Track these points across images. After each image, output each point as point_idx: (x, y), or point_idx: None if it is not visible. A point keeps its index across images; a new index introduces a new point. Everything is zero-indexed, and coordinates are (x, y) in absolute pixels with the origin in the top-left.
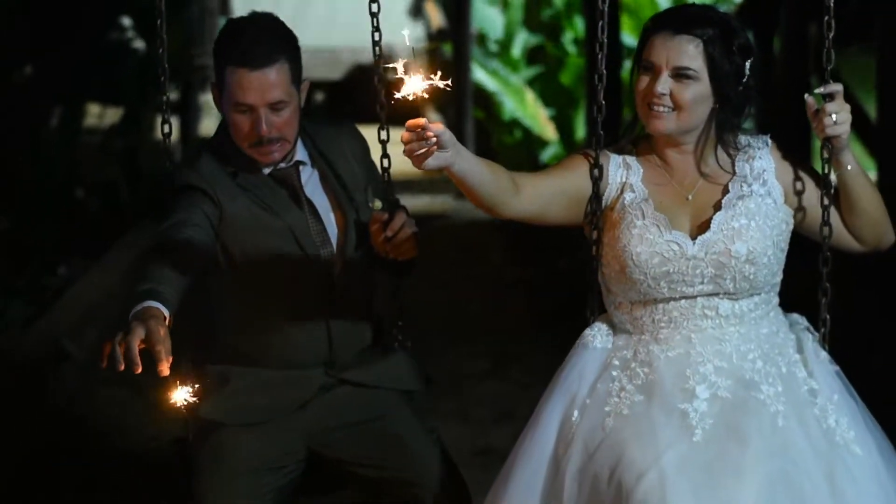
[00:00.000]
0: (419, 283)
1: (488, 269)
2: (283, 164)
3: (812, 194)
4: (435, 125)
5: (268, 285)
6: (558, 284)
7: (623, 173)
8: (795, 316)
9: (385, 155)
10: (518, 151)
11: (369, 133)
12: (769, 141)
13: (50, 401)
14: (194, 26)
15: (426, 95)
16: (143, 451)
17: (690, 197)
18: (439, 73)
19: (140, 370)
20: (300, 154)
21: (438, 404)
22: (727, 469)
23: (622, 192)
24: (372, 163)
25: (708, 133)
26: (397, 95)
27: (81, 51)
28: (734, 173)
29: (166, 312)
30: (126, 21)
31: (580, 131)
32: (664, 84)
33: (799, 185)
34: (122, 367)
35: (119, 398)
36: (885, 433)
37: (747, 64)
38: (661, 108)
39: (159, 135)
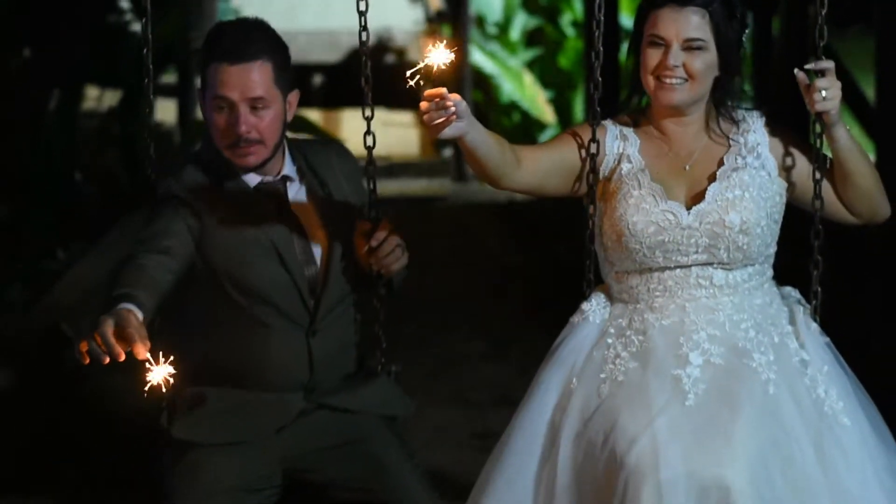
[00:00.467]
0: (416, 265)
1: (486, 251)
2: (269, 178)
3: (805, 167)
4: (453, 95)
5: (248, 303)
6: (556, 268)
7: (620, 144)
8: (788, 289)
9: (371, 162)
10: (516, 134)
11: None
12: (762, 115)
13: (48, 384)
14: (193, 10)
15: (445, 66)
16: (141, 438)
17: (688, 167)
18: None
19: (123, 356)
20: (288, 169)
21: (436, 387)
22: (718, 433)
23: (619, 162)
24: (362, 184)
25: (709, 102)
26: (422, 63)
27: (80, 34)
28: (729, 146)
29: (139, 314)
30: (124, 3)
31: (579, 114)
32: (676, 56)
33: (791, 159)
34: (107, 360)
35: (117, 384)
36: (877, 407)
37: (746, 32)
38: (674, 80)
39: (159, 118)
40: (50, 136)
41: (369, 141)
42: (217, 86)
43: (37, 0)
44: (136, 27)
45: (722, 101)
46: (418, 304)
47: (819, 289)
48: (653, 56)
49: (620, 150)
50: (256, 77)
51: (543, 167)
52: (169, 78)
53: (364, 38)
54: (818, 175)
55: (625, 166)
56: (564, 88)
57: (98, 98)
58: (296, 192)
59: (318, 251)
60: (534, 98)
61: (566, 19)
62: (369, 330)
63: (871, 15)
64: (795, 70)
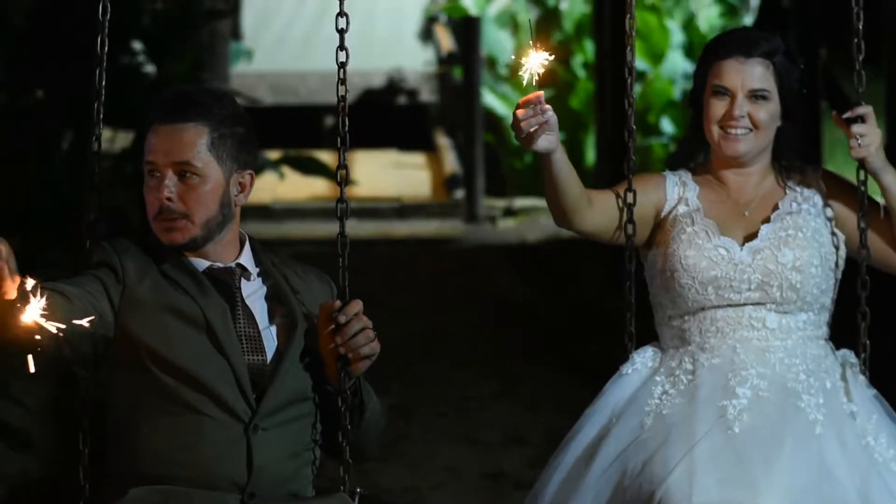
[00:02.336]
0: (428, 306)
1: (497, 291)
2: (219, 264)
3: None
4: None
5: (176, 384)
6: (566, 308)
7: (680, 189)
8: (845, 351)
9: (342, 200)
10: (527, 176)
11: (380, 156)
12: (819, 167)
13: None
14: (204, 50)
15: (543, 70)
16: None
17: (747, 213)
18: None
19: None
20: (245, 261)
21: (447, 427)
22: (757, 463)
23: (677, 205)
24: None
25: (770, 151)
26: (524, 72)
27: (92, 75)
28: (786, 194)
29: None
30: (137, 45)
31: (590, 155)
32: (742, 107)
33: (847, 210)
34: None
35: None
36: None
37: (806, 81)
38: (740, 131)
39: None
40: (61, 176)
41: (342, 208)
42: (147, 150)
43: (50, 41)
44: (149, 69)
45: (783, 150)
46: (429, 343)
47: (867, 341)
48: (717, 106)
49: (681, 195)
50: (187, 141)
51: (612, 208)
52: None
53: (343, 92)
54: (864, 224)
55: (681, 208)
56: (576, 130)
57: (110, 139)
58: (254, 288)
59: (270, 343)
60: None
61: (577, 61)
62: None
63: (881, 57)
64: (834, 115)
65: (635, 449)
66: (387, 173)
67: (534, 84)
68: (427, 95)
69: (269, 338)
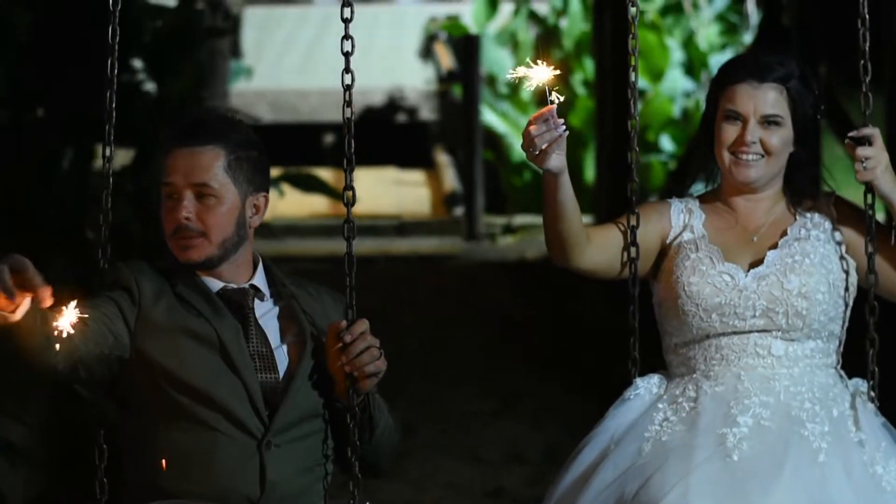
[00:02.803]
0: (428, 323)
1: (497, 308)
2: (233, 285)
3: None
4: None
5: (190, 402)
6: (566, 325)
7: (686, 217)
8: (856, 380)
9: (349, 220)
10: (527, 193)
11: (381, 173)
12: (831, 194)
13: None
14: (205, 68)
15: (550, 82)
16: None
17: (756, 238)
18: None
19: (16, 301)
20: (259, 282)
21: (448, 444)
22: (755, 491)
23: (682, 232)
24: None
25: (782, 177)
26: (530, 85)
27: (92, 92)
28: (795, 220)
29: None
30: (137, 63)
31: (589, 173)
32: (754, 132)
33: (860, 237)
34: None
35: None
36: None
37: (822, 108)
38: (752, 157)
39: None
40: (62, 194)
41: (348, 195)
42: (165, 172)
43: (51, 59)
44: (150, 86)
45: (796, 177)
46: (430, 361)
47: (876, 368)
48: (729, 131)
49: (686, 222)
50: (205, 163)
51: (611, 245)
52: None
53: (349, 80)
54: (871, 248)
55: (686, 235)
56: (576, 148)
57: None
58: (266, 308)
59: (283, 361)
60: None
61: (577, 78)
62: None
63: (882, 73)
64: (847, 141)
65: (633, 474)
66: (387, 190)
67: (549, 98)
68: (427, 113)
69: (282, 356)
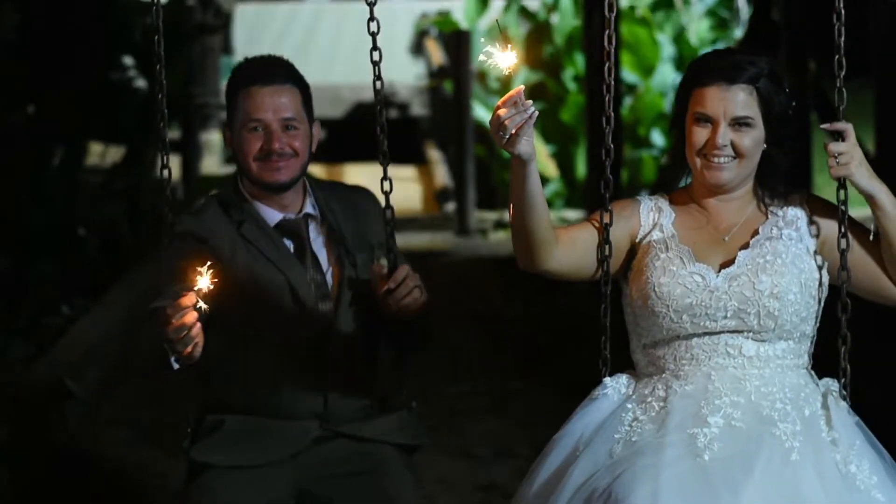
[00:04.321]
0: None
1: (488, 305)
2: (290, 215)
3: (850, 244)
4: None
5: (263, 337)
6: (558, 322)
7: (655, 215)
8: (827, 380)
9: (388, 206)
10: None
11: (371, 170)
12: (805, 192)
13: (52, 440)
14: (195, 65)
15: (514, 68)
16: (147, 490)
17: (727, 238)
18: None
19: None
20: (309, 207)
21: (439, 440)
22: (725, 491)
23: (651, 230)
24: (382, 226)
25: (753, 176)
26: (489, 65)
27: (83, 90)
28: (767, 218)
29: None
30: (128, 60)
31: (581, 168)
32: (724, 135)
33: (832, 234)
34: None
35: (121, 438)
36: None
37: (792, 104)
38: (723, 159)
39: (160, 173)
40: (53, 191)
41: (386, 186)
42: (250, 109)
43: (41, 56)
44: (139, 83)
45: (768, 176)
46: (420, 357)
47: (847, 366)
48: (699, 134)
49: (655, 221)
50: (287, 100)
51: (579, 246)
52: (172, 133)
53: (378, 86)
54: (844, 244)
55: (655, 234)
56: (567, 143)
57: (101, 154)
58: (316, 231)
59: (331, 286)
60: (536, 152)
61: (568, 74)
62: (388, 368)
63: (869, 67)
64: (825, 143)
65: (603, 474)
66: (378, 186)
67: (510, 78)
68: (418, 109)
69: (329, 279)
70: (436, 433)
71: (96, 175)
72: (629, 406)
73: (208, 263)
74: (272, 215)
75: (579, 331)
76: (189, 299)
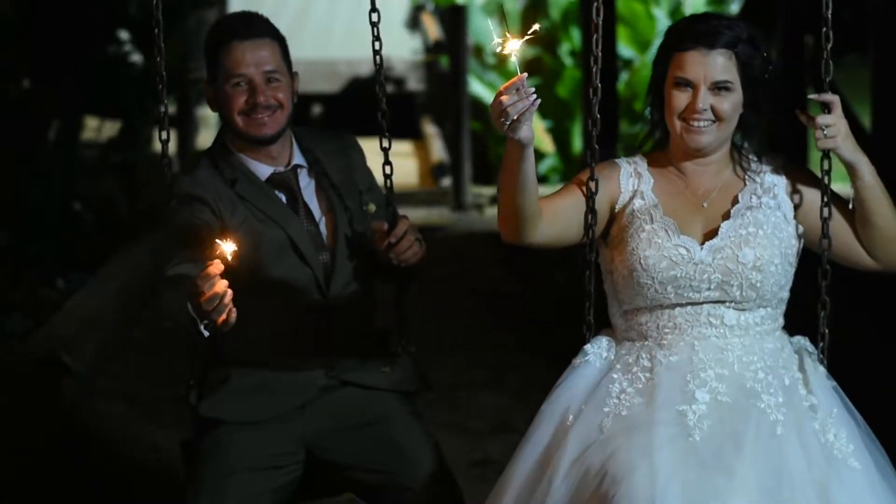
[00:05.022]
0: (415, 295)
1: (485, 280)
2: (280, 168)
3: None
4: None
5: (265, 292)
6: (554, 297)
7: (634, 181)
8: (798, 338)
9: (387, 162)
10: None
11: (369, 144)
12: (780, 157)
13: (49, 413)
14: (191, 39)
15: (518, 54)
16: (144, 464)
17: (706, 204)
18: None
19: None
20: (297, 158)
21: (435, 415)
22: (720, 469)
23: (632, 198)
24: (369, 170)
25: (730, 140)
26: (502, 50)
27: (79, 64)
28: (745, 185)
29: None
30: (124, 34)
31: (577, 143)
32: (705, 99)
33: (808, 201)
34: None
35: (117, 412)
36: (883, 450)
37: (769, 68)
38: (703, 123)
39: (157, 148)
40: (49, 166)
41: (387, 170)
42: (232, 64)
43: (37, 31)
44: (136, 58)
45: (744, 139)
46: (416, 333)
47: (826, 331)
48: (679, 98)
49: (635, 187)
50: (268, 54)
51: (562, 217)
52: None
53: (377, 46)
54: (826, 213)
55: (637, 202)
56: (563, 118)
57: (98, 128)
58: (307, 181)
59: (326, 235)
60: (532, 127)
61: (564, 49)
62: (386, 311)
63: (866, 44)
64: (797, 111)
65: (595, 450)
66: (374, 161)
67: (512, 60)
68: (414, 84)
69: (323, 229)
70: (430, 408)
71: (93, 150)
72: (615, 376)
73: (224, 228)
74: (262, 169)
75: (575, 306)
76: (216, 267)
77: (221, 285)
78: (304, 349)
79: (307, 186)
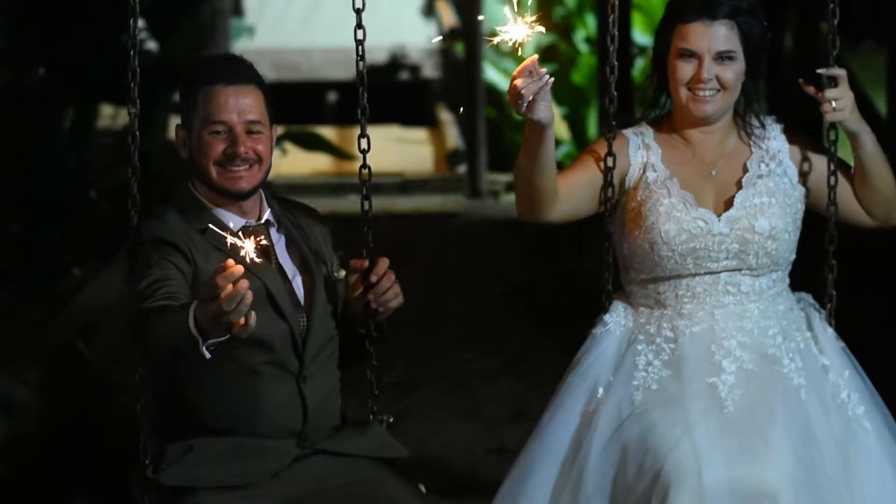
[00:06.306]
0: (431, 282)
1: (500, 267)
2: (252, 222)
3: (823, 174)
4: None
5: (239, 352)
6: (569, 285)
7: (644, 153)
8: (802, 294)
9: (364, 165)
10: None
11: (383, 132)
12: (780, 122)
13: (65, 402)
14: (206, 28)
15: (528, 40)
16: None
17: (714, 172)
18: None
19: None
20: (269, 215)
21: (451, 403)
22: (757, 439)
23: (644, 171)
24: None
25: (732, 108)
26: (502, 38)
27: (93, 52)
28: (752, 152)
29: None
30: (139, 23)
31: (592, 130)
32: (710, 69)
33: (810, 165)
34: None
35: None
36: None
37: (768, 36)
38: (708, 92)
39: (172, 136)
40: (64, 154)
41: (364, 175)
42: (213, 110)
43: (49, 18)
44: (151, 45)
45: (747, 106)
46: (432, 320)
47: (834, 293)
48: (684, 69)
49: (644, 160)
50: (250, 101)
51: (576, 193)
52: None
53: (361, 67)
54: (833, 181)
55: (650, 175)
56: (578, 105)
57: (113, 116)
58: (277, 237)
59: (299, 292)
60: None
61: (579, 36)
62: (359, 374)
63: (881, 30)
64: (800, 80)
65: (630, 425)
66: (389, 149)
67: (520, 53)
68: (429, 71)
69: (298, 287)
70: (445, 395)
71: (107, 138)
72: (639, 348)
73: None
74: (235, 221)
75: (590, 293)
76: (238, 268)
77: (244, 283)
78: (276, 418)
79: (278, 242)
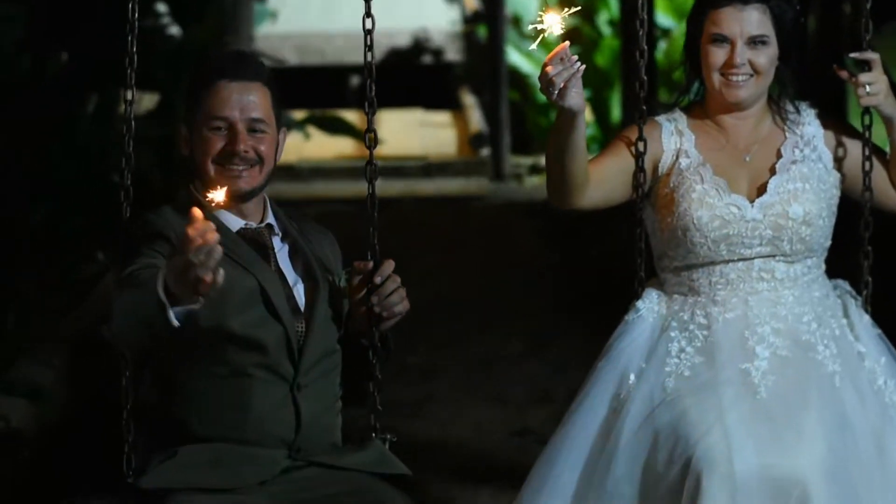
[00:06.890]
0: (454, 265)
1: (523, 250)
2: (252, 224)
3: (858, 159)
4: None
5: (231, 349)
6: (591, 269)
7: (676, 140)
8: (839, 281)
9: (371, 162)
10: None
11: (407, 115)
12: (814, 107)
13: (88, 387)
14: (228, 13)
15: (561, 30)
16: None
17: (748, 158)
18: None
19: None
20: (271, 219)
21: (474, 386)
22: (790, 426)
23: (677, 158)
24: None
25: (766, 92)
26: (536, 28)
27: (116, 37)
28: (786, 137)
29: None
30: (161, 7)
31: (616, 112)
32: (742, 54)
33: (845, 151)
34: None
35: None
36: None
37: (800, 19)
38: (741, 77)
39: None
40: (86, 140)
41: (370, 173)
42: (214, 105)
43: (73, 4)
44: (174, 30)
45: (781, 91)
46: (455, 303)
47: (870, 279)
48: (717, 54)
49: (678, 146)
50: (257, 99)
51: (608, 179)
52: None
53: (370, 58)
54: (868, 167)
55: (683, 161)
56: (601, 87)
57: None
58: (279, 245)
59: (300, 300)
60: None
61: (602, 18)
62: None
63: None
64: (834, 66)
65: (662, 412)
66: (413, 132)
67: (551, 40)
68: (452, 54)
69: (299, 295)
70: (469, 379)
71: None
72: (672, 335)
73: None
74: (234, 221)
75: (614, 276)
76: (208, 223)
77: (214, 235)
78: (266, 424)
79: (280, 250)
